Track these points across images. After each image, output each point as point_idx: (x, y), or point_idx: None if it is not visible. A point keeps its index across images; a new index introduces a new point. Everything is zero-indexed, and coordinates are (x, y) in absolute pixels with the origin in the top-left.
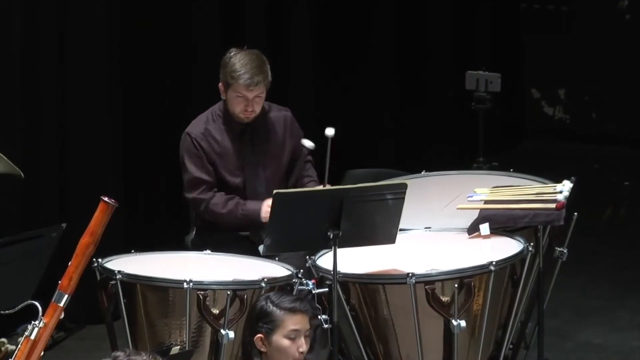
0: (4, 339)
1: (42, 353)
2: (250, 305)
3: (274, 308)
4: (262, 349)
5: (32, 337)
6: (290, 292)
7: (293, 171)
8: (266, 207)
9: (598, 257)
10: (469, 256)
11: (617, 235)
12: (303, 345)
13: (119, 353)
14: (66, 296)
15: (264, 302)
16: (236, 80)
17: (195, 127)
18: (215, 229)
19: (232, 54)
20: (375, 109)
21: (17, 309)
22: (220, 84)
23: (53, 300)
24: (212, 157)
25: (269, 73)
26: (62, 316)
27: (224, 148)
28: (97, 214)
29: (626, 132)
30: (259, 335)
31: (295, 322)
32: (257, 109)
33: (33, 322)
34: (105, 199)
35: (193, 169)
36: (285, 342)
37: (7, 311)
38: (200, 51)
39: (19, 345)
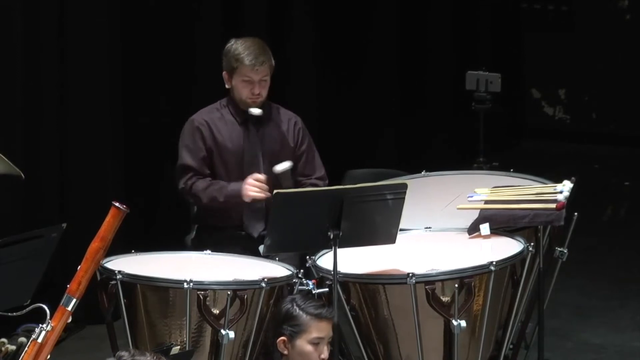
0: (4, 339)
1: (49, 356)
2: (251, 305)
3: (300, 312)
4: (284, 352)
5: (39, 340)
6: (317, 298)
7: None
8: (246, 185)
9: (598, 257)
10: (469, 256)
11: (617, 235)
12: (325, 351)
13: (123, 353)
14: (74, 300)
15: (290, 305)
16: (241, 63)
17: (200, 115)
18: (215, 228)
19: (232, 42)
20: (375, 109)
21: (25, 311)
22: (224, 73)
23: (61, 304)
24: (210, 146)
25: (272, 56)
26: (70, 320)
27: (226, 138)
28: (108, 219)
29: (626, 132)
30: (282, 337)
31: (320, 329)
32: (264, 93)
33: (40, 325)
34: (117, 204)
35: (185, 156)
36: (309, 348)
37: (15, 313)
38: (201, 51)
39: (26, 348)
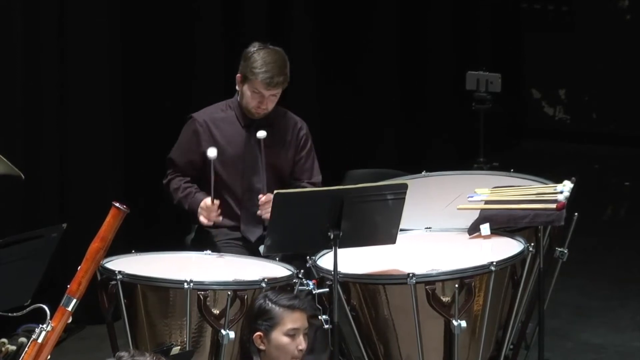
0: (4, 339)
1: (49, 357)
2: (249, 305)
3: (273, 305)
4: (261, 347)
5: (40, 340)
6: (289, 291)
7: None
8: (199, 208)
9: (598, 257)
10: (470, 256)
11: (617, 235)
12: (302, 343)
13: (123, 353)
14: (74, 300)
15: (262, 300)
16: (256, 77)
17: (202, 114)
18: (215, 229)
19: (255, 48)
20: (375, 109)
21: (26, 311)
22: (238, 75)
23: (61, 304)
24: (207, 146)
25: (289, 74)
26: (70, 320)
27: (227, 140)
28: (108, 219)
29: (626, 132)
30: (258, 333)
31: (294, 320)
32: (270, 107)
33: (41, 326)
34: (117, 204)
35: (175, 151)
36: (285, 340)
37: (15, 313)
38: (201, 51)
39: (26, 348)
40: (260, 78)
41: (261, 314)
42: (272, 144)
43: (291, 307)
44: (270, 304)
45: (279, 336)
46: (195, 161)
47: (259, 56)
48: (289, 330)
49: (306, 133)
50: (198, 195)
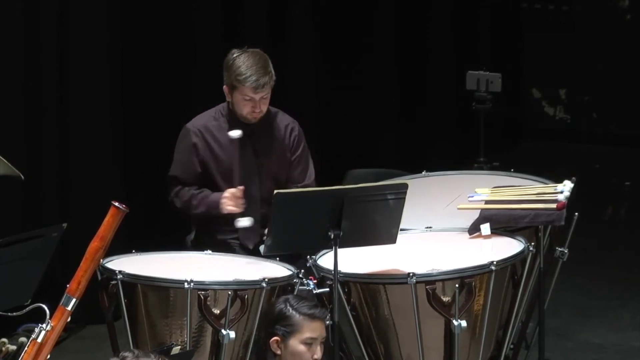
0: (4, 339)
1: (49, 356)
2: (251, 305)
3: (293, 312)
4: (277, 352)
5: (39, 339)
6: (311, 298)
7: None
8: (223, 199)
9: (598, 257)
10: (470, 256)
11: (617, 235)
12: (318, 352)
13: (127, 354)
14: (74, 300)
15: (283, 305)
16: (243, 84)
17: (195, 123)
18: (214, 231)
19: (234, 55)
20: (376, 108)
21: (25, 310)
22: (224, 87)
23: (61, 303)
24: (205, 156)
25: (273, 72)
26: (70, 319)
27: (221, 148)
28: (107, 218)
29: (626, 132)
30: (275, 337)
31: (312, 329)
32: (264, 109)
33: (40, 325)
34: (116, 204)
35: (176, 168)
36: (301, 348)
37: (14, 313)
38: (201, 51)
39: (25, 348)
40: (247, 83)
41: (280, 319)
42: (265, 149)
43: (311, 316)
44: (290, 310)
45: (296, 344)
46: (197, 172)
47: (240, 62)
48: (306, 339)
49: (298, 133)
50: (214, 194)
